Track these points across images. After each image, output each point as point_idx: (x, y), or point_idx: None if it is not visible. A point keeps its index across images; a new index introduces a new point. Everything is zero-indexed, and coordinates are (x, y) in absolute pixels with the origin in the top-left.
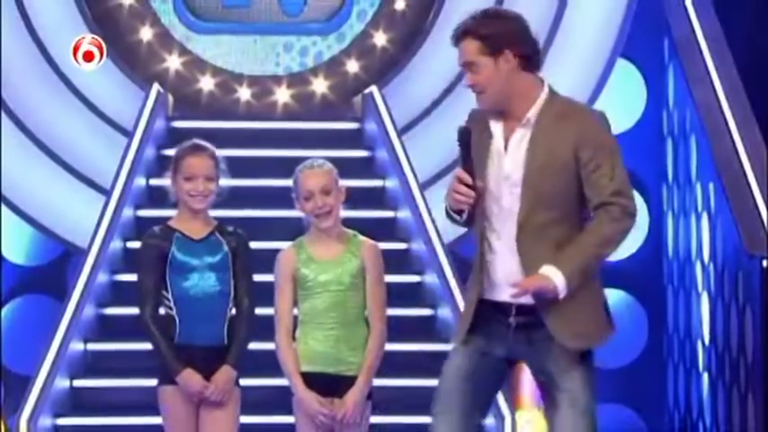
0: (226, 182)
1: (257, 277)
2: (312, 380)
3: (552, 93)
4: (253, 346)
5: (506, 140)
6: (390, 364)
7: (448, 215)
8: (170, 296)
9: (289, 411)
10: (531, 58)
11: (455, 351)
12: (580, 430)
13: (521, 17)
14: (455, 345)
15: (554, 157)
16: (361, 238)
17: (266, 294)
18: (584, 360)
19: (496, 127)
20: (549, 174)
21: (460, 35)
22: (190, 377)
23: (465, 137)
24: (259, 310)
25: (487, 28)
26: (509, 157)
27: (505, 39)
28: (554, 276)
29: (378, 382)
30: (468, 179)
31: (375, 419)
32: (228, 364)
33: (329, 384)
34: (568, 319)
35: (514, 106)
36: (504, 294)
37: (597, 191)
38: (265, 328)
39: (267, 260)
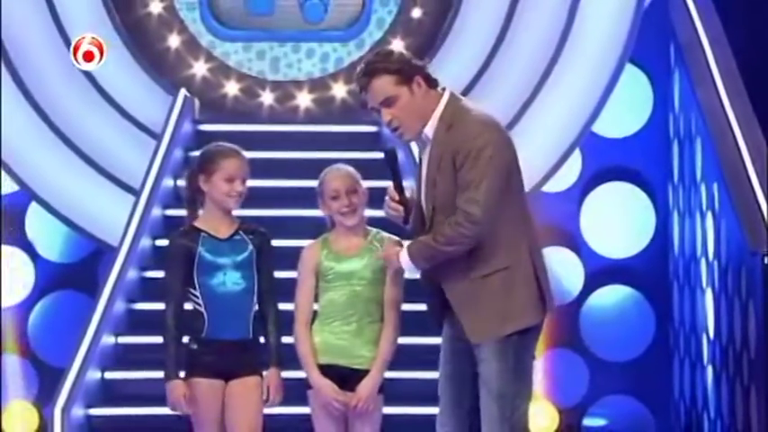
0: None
1: (280, 273)
2: (326, 372)
3: (449, 103)
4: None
5: None
6: (404, 357)
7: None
8: (198, 293)
9: (305, 402)
10: (430, 76)
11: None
12: (492, 415)
13: (401, 52)
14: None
15: (441, 166)
16: (384, 234)
17: (290, 289)
18: (506, 347)
19: (422, 151)
20: (439, 182)
21: (371, 75)
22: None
23: (390, 156)
24: (279, 306)
25: (393, 63)
26: (422, 173)
27: (411, 66)
28: (402, 256)
29: (389, 374)
30: (396, 195)
31: (387, 410)
32: (274, 367)
33: (343, 377)
34: (468, 315)
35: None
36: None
37: (458, 196)
38: (284, 323)
39: (288, 257)
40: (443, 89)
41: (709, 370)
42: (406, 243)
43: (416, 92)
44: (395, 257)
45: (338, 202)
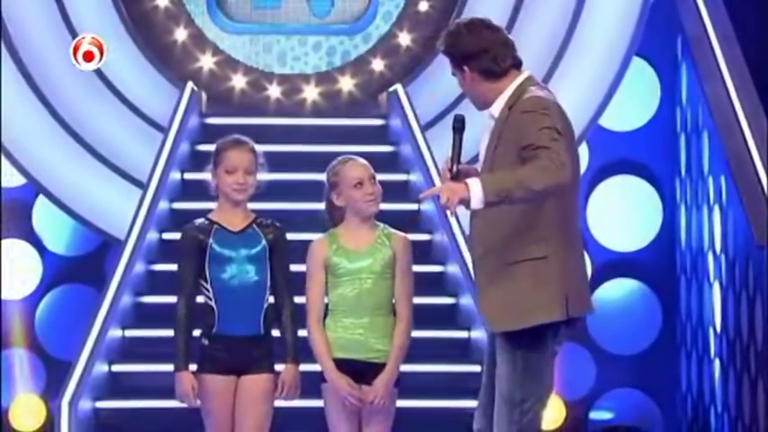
0: (263, 176)
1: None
2: (341, 367)
3: (521, 85)
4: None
5: None
6: (414, 351)
7: None
8: (209, 286)
9: (318, 395)
10: (489, 71)
11: None
12: (502, 416)
13: (482, 35)
14: None
15: (502, 142)
16: (393, 230)
17: (298, 284)
18: (515, 350)
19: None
20: (498, 159)
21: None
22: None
23: (458, 123)
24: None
25: (449, 47)
26: (482, 146)
27: (462, 57)
28: (473, 185)
29: (403, 367)
30: (449, 164)
31: (400, 403)
32: (291, 362)
33: (358, 371)
34: (490, 304)
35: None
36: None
37: (530, 151)
38: (298, 317)
39: (294, 251)
40: (520, 72)
41: (716, 363)
42: (473, 181)
43: (467, 77)
44: (461, 189)
45: (362, 190)
